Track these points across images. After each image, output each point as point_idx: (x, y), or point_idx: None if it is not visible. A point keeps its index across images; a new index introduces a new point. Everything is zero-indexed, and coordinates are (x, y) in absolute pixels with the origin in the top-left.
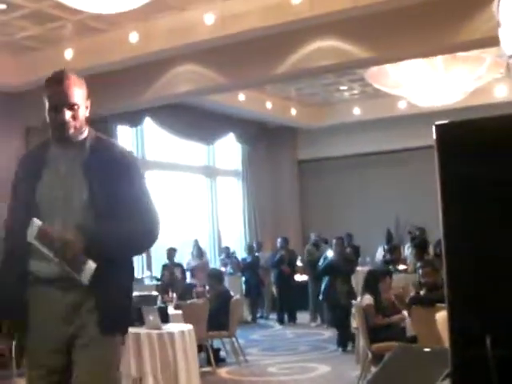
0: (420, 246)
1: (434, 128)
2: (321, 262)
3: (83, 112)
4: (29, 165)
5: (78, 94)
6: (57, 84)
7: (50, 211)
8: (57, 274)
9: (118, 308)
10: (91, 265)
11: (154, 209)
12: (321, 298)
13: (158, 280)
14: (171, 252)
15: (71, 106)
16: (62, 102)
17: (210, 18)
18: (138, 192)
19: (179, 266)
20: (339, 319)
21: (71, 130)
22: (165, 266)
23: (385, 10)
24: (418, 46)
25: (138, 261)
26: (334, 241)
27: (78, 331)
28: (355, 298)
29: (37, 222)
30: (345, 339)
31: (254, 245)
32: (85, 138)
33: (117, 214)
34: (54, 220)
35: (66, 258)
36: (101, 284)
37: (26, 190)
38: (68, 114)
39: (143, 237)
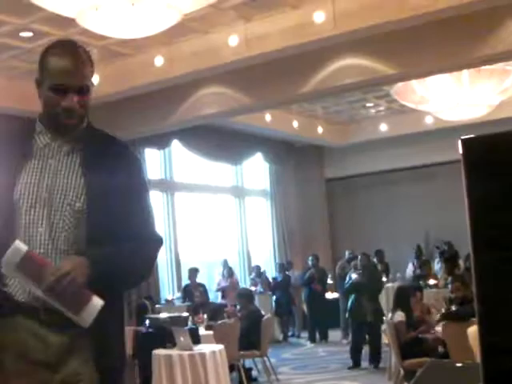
0: (449, 260)
1: (459, 143)
2: (346, 281)
3: (90, 97)
4: (6, 153)
5: (91, 73)
6: (67, 57)
7: (32, 217)
8: (41, 301)
9: (118, 353)
10: (97, 303)
11: (157, 231)
12: (347, 315)
13: (184, 300)
14: (192, 272)
15: (81, 90)
16: (71, 82)
17: (233, 40)
18: (144, 208)
19: (201, 286)
20: (366, 337)
21: (76, 120)
22: (186, 287)
23: (408, 26)
24: (442, 61)
25: (167, 282)
26: (359, 257)
27: (70, 379)
28: (382, 316)
29: (20, 246)
30: (376, 356)
31: (285, 263)
32: (82, 129)
33: (116, 231)
34: (37, 229)
35: (61, 296)
36: (98, 323)
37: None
38: (75, 99)
39: (149, 264)
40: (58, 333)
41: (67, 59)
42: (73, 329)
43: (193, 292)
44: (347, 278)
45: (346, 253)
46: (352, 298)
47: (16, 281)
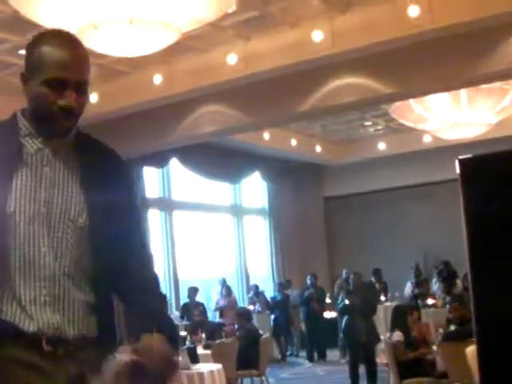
0: (447, 279)
1: (457, 162)
2: (339, 301)
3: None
4: None
5: (90, 69)
6: (66, 47)
7: (32, 235)
8: (51, 329)
9: None
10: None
11: (151, 248)
12: (341, 335)
13: (182, 319)
14: (192, 291)
15: (80, 86)
16: (71, 76)
17: (232, 59)
18: (141, 224)
19: (201, 305)
20: (361, 356)
21: (73, 122)
22: (185, 305)
23: (405, 44)
24: (440, 80)
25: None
26: (351, 276)
27: None
28: (377, 336)
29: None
30: (372, 376)
31: (283, 282)
32: (74, 133)
33: (120, 249)
34: (39, 249)
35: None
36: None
37: None
38: (74, 97)
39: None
40: (64, 366)
41: (66, 50)
42: (81, 359)
43: (192, 311)
44: (339, 299)
45: (344, 272)
46: (345, 318)
47: (14, 306)
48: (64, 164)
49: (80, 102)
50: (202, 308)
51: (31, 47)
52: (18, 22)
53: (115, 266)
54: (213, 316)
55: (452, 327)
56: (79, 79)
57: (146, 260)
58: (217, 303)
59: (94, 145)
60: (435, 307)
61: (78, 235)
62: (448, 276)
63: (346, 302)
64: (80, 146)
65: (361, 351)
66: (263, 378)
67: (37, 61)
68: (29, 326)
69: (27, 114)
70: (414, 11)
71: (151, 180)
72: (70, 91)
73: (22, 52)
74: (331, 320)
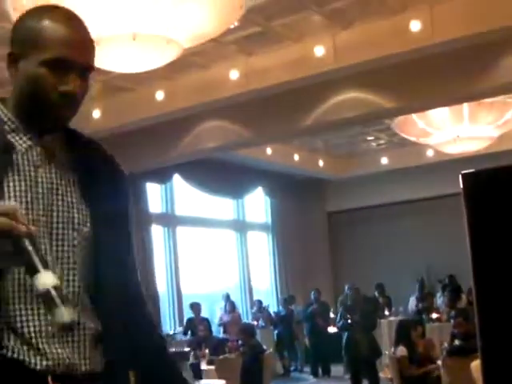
0: (452, 293)
1: (460, 177)
2: (338, 319)
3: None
4: None
5: (95, 56)
6: (70, 23)
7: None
8: (62, 366)
9: None
10: None
11: None
12: (343, 352)
13: (185, 334)
14: (197, 306)
15: (84, 72)
16: (77, 57)
17: (234, 74)
18: (132, 239)
19: (206, 320)
20: (363, 371)
21: (73, 112)
22: (189, 321)
23: (407, 59)
24: (442, 94)
25: (169, 316)
26: (348, 292)
27: None
28: (378, 350)
29: None
30: None
31: (287, 297)
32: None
33: (123, 260)
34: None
35: None
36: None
37: None
38: (78, 83)
39: None
40: None
41: (72, 26)
42: None
43: (197, 326)
44: (338, 317)
45: (346, 287)
46: (346, 334)
47: (18, 340)
48: (59, 164)
49: (83, 90)
50: (206, 323)
51: (26, 20)
52: None
53: (117, 288)
54: (216, 331)
55: (456, 342)
56: (85, 63)
57: (140, 291)
58: (220, 319)
59: (87, 142)
60: (439, 321)
61: (83, 246)
62: (453, 290)
63: (347, 319)
64: (72, 143)
65: (362, 366)
66: None
67: (35, 36)
68: (37, 364)
69: (11, 103)
70: (415, 26)
71: (154, 196)
72: (73, 75)
73: None
74: (335, 335)
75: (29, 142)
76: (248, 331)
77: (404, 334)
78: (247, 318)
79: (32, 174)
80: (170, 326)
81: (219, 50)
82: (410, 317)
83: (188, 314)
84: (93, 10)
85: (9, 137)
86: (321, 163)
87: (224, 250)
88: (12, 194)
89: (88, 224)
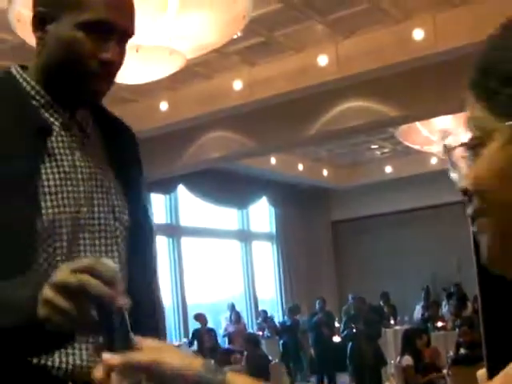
0: (458, 301)
1: None
2: (341, 329)
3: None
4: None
5: (135, 22)
6: None
7: (72, 251)
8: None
9: None
10: None
11: None
12: (347, 362)
13: (191, 345)
14: (202, 317)
15: (124, 39)
16: (119, 22)
17: (237, 85)
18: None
19: (212, 330)
20: (368, 380)
21: (110, 84)
22: (196, 331)
23: (410, 68)
24: (445, 102)
25: (174, 327)
26: (351, 301)
27: None
28: (383, 359)
29: None
30: None
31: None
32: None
33: (147, 251)
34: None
35: None
36: None
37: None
38: (117, 52)
39: None
40: None
41: None
42: None
43: (203, 336)
44: (342, 326)
45: (350, 297)
46: (350, 344)
47: None
48: (93, 146)
49: (121, 60)
50: (213, 334)
51: None
52: (22, 50)
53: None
54: (221, 342)
55: (462, 351)
56: (128, 28)
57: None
58: (225, 329)
59: (113, 120)
60: (445, 330)
61: (124, 237)
62: (459, 298)
63: (351, 328)
64: (98, 119)
65: (367, 375)
66: None
67: None
68: (59, 368)
69: (37, 73)
70: (418, 35)
71: (159, 206)
72: (113, 42)
73: None
74: (340, 344)
75: (61, 120)
76: (252, 341)
77: (409, 342)
78: (252, 328)
79: (69, 158)
80: (175, 336)
81: (222, 60)
82: (416, 325)
83: (193, 324)
84: None
85: (40, 111)
86: (325, 172)
87: (229, 259)
88: (52, 184)
89: (127, 211)
